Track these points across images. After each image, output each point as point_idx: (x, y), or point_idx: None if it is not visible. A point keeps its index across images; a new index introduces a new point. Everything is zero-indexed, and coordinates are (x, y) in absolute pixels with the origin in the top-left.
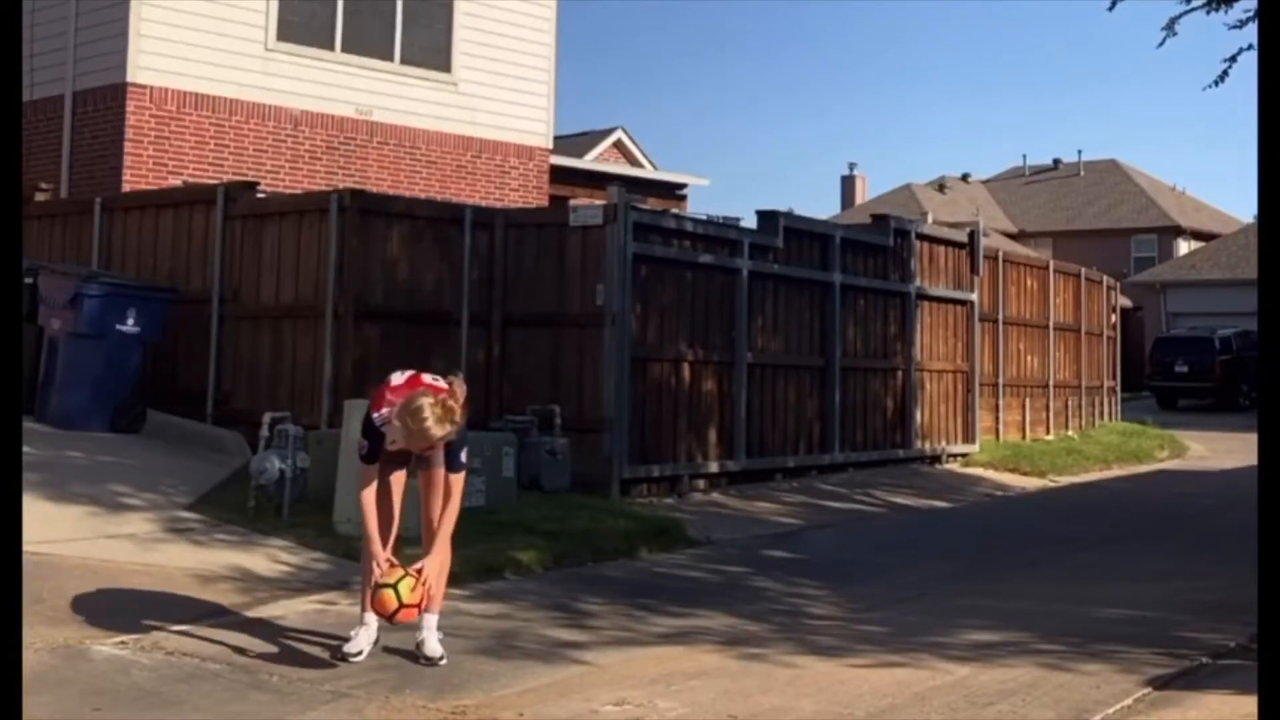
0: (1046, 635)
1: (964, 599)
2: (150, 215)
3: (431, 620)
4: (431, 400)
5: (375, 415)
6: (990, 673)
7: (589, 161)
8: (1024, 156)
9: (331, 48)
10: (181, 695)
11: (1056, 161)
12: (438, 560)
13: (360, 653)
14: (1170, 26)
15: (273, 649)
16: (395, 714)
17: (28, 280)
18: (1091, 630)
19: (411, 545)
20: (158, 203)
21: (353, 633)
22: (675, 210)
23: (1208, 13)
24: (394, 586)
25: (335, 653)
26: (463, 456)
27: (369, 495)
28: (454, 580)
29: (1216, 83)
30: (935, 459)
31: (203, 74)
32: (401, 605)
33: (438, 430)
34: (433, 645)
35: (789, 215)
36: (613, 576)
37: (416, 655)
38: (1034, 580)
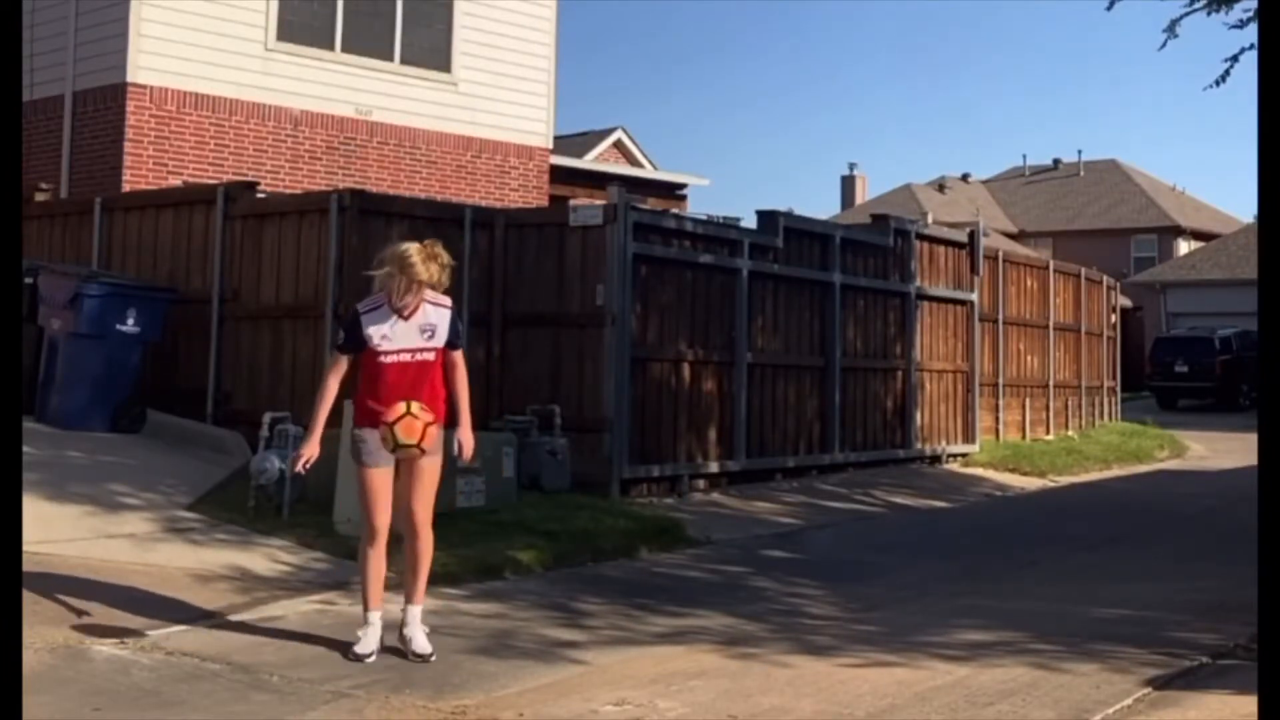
0: (1046, 635)
1: (964, 599)
2: (150, 215)
3: (416, 613)
4: (417, 245)
5: (359, 305)
6: (990, 673)
7: (589, 161)
8: (1024, 156)
9: (331, 48)
10: (181, 695)
11: (1056, 161)
12: (423, 547)
13: (372, 654)
14: (1171, 29)
15: (272, 649)
16: (395, 714)
17: (28, 280)
18: (1091, 630)
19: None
20: (158, 203)
21: (359, 633)
22: (675, 210)
23: (1208, 14)
24: (407, 406)
25: (347, 653)
26: (460, 328)
27: (331, 380)
28: (453, 580)
29: (1218, 83)
30: (935, 459)
31: (203, 74)
32: (409, 413)
33: (423, 270)
34: (421, 641)
35: (789, 215)
36: (612, 576)
37: (404, 651)
38: (1034, 580)
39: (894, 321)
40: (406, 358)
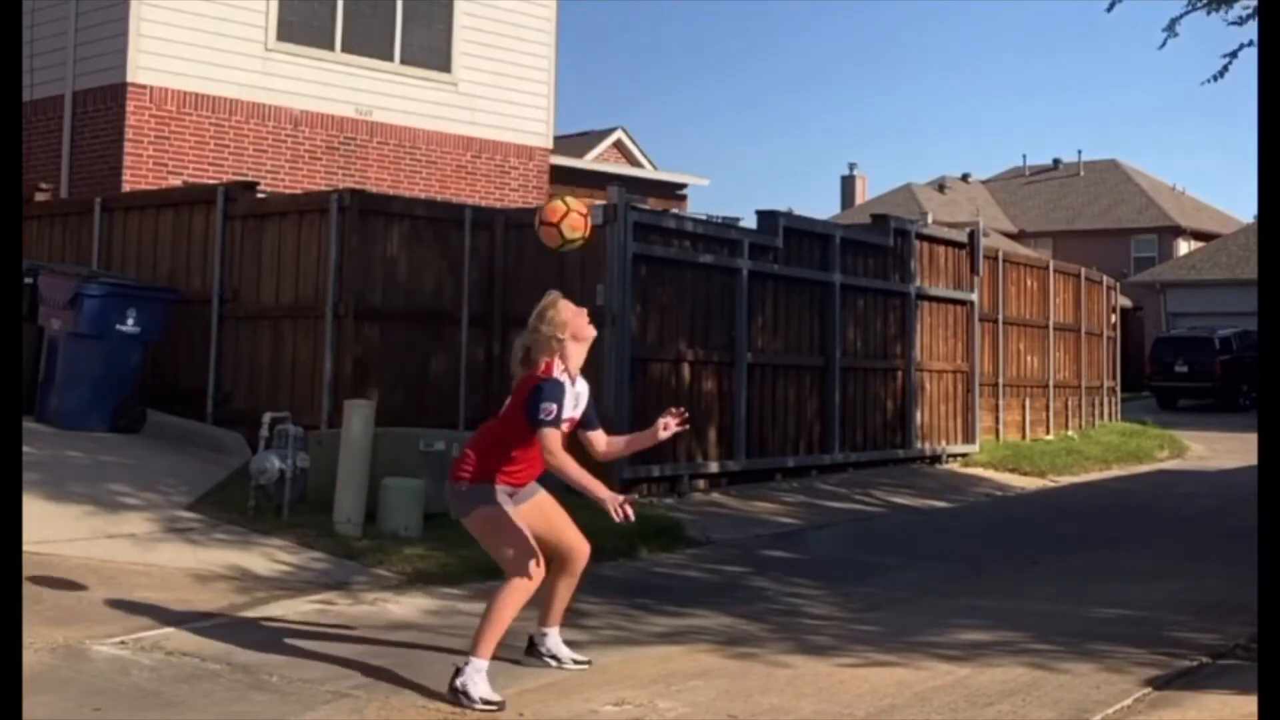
0: (1046, 635)
1: (964, 599)
2: (150, 215)
3: (554, 633)
4: (561, 301)
5: (544, 381)
6: (990, 673)
7: (589, 161)
8: (1024, 156)
9: (331, 48)
10: (181, 695)
11: (1056, 161)
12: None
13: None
14: (1171, 28)
15: (272, 649)
16: (395, 714)
17: (28, 280)
18: (1091, 630)
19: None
20: (158, 203)
21: (478, 679)
22: (675, 210)
23: (1208, 13)
24: (562, 199)
25: (490, 706)
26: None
27: (567, 458)
28: (453, 580)
29: (1216, 78)
30: (935, 459)
31: (202, 74)
32: (569, 210)
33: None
34: (565, 651)
35: (789, 215)
36: (612, 576)
37: (558, 662)
38: (1034, 580)
39: (894, 321)
40: (567, 428)
